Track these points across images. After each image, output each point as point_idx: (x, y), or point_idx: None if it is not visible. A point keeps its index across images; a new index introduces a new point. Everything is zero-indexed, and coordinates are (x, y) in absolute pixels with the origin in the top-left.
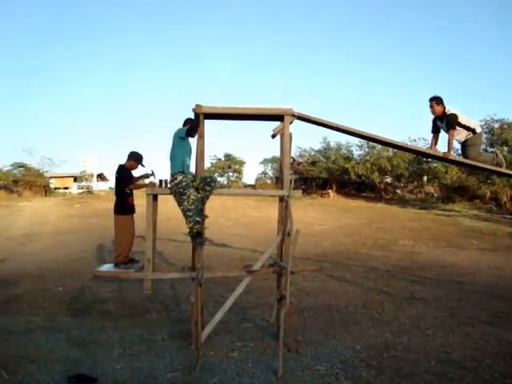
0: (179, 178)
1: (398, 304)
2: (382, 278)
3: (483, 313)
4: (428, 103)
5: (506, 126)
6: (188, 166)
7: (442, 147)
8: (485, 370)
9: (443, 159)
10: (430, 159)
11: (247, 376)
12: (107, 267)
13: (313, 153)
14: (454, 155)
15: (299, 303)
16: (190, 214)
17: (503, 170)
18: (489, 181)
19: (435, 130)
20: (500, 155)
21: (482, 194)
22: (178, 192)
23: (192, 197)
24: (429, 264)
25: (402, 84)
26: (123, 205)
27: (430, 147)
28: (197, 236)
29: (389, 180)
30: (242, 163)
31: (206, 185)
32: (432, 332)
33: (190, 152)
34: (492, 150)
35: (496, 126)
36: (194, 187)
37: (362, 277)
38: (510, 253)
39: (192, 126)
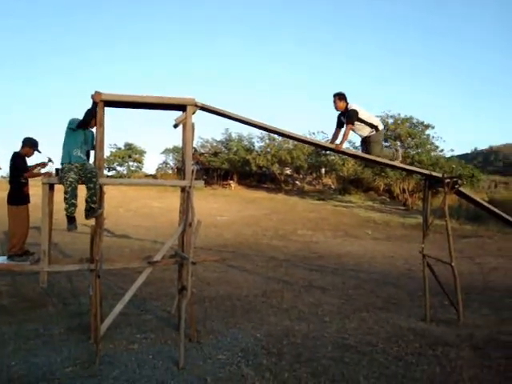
0: (65, 166)
1: (296, 292)
2: (281, 267)
3: (378, 299)
4: (332, 98)
5: (399, 122)
6: (78, 157)
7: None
8: (379, 354)
9: (335, 150)
10: (327, 152)
11: (148, 368)
12: (0, 260)
13: (215, 143)
14: (351, 148)
15: (200, 293)
16: (67, 196)
17: (397, 163)
18: (383, 173)
19: (339, 125)
20: (399, 152)
21: (376, 186)
22: (61, 178)
23: (70, 179)
24: (327, 253)
25: (306, 79)
26: (17, 194)
27: (332, 141)
28: (70, 220)
29: (289, 172)
30: (142, 153)
31: (88, 181)
32: (329, 318)
33: (84, 142)
34: (386, 144)
35: (390, 121)
36: (77, 173)
37: (262, 266)
38: (402, 242)
39: (83, 119)
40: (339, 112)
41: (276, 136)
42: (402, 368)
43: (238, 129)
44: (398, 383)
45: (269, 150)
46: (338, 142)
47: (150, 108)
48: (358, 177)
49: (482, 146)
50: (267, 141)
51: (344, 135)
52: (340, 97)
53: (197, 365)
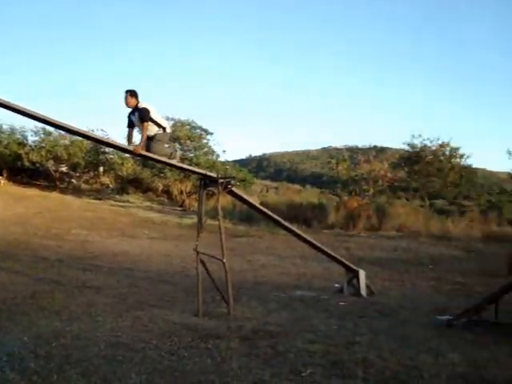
0: None
1: (69, 293)
2: (53, 267)
3: (152, 297)
4: (124, 95)
5: (179, 124)
6: None
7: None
8: (152, 350)
9: (134, 153)
10: (107, 150)
11: None
12: None
13: None
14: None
15: None
16: None
17: (175, 162)
18: (161, 174)
19: (130, 125)
20: (178, 152)
21: (155, 186)
22: None
23: None
24: (102, 253)
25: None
26: None
27: (128, 142)
28: None
29: (64, 169)
30: None
31: None
32: (102, 318)
33: None
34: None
35: (170, 123)
36: None
37: (32, 267)
38: (178, 242)
39: None
40: (130, 111)
41: (52, 130)
42: (174, 362)
43: (9, 120)
44: (170, 377)
45: (43, 145)
46: (134, 142)
47: None
48: (137, 177)
49: (257, 152)
50: (42, 135)
51: (142, 136)
52: (132, 93)
53: None
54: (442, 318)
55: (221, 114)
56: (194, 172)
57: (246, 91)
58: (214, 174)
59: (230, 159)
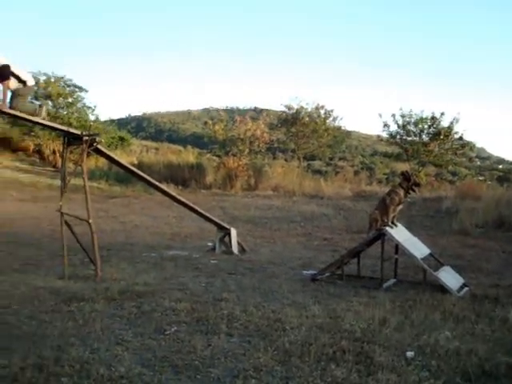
0: None
1: None
2: None
3: (16, 261)
4: None
5: (52, 80)
6: None
7: None
8: (11, 315)
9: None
10: None
11: None
12: None
13: None
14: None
15: None
16: None
17: (35, 119)
18: (32, 133)
19: None
20: (43, 108)
21: (25, 146)
22: None
23: None
24: None
25: None
26: None
27: None
28: None
29: None
30: None
31: None
32: None
33: None
34: (37, 102)
35: (43, 78)
36: None
37: None
38: (49, 203)
39: None
40: None
41: None
42: (34, 327)
43: None
44: (27, 342)
45: None
46: None
47: None
48: (6, 136)
49: (136, 112)
50: None
51: (4, 93)
52: None
53: None
54: (308, 272)
55: (101, 72)
56: (56, 129)
57: (127, 50)
58: (77, 131)
59: (109, 118)
